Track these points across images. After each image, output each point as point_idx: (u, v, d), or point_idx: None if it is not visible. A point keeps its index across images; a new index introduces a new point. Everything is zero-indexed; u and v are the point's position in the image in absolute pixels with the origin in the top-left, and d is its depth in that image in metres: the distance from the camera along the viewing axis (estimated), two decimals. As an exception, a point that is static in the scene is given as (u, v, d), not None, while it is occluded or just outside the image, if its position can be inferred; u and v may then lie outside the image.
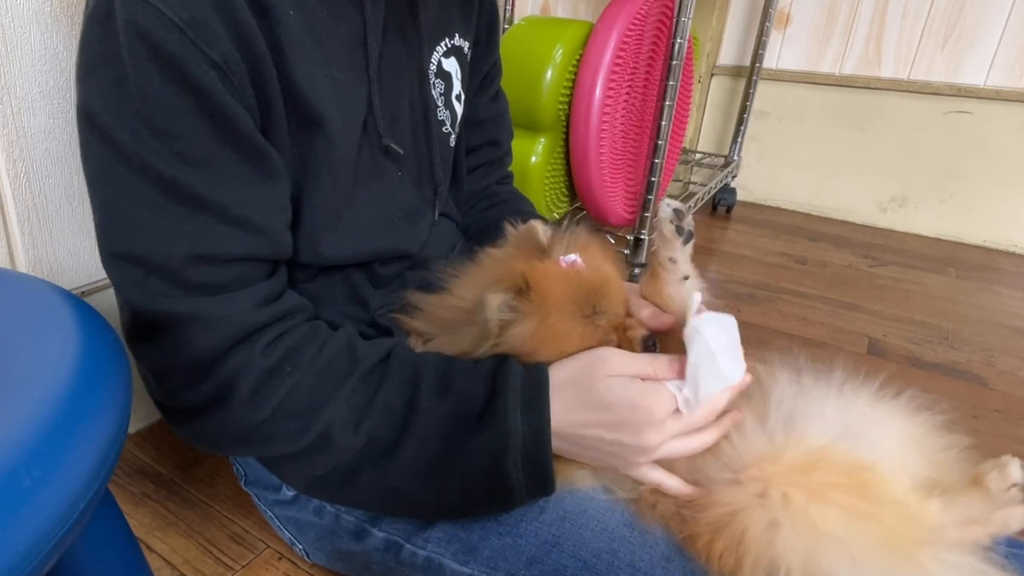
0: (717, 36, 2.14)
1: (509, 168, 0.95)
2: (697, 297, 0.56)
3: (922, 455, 0.56)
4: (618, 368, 0.54)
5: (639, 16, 1.38)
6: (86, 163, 0.52)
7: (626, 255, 1.40)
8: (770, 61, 2.05)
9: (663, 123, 1.29)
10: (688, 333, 0.53)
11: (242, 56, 0.49)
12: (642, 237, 1.38)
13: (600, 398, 0.54)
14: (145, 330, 0.52)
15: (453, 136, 0.77)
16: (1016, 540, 0.57)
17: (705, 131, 2.26)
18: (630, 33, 1.37)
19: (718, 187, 1.99)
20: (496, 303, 0.53)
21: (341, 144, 0.58)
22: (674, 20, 1.25)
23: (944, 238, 1.97)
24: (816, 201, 2.13)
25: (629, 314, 0.58)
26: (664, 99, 1.28)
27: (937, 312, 1.51)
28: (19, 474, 0.30)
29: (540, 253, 0.58)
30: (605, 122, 1.38)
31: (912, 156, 1.95)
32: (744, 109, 2.07)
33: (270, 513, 0.73)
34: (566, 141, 1.45)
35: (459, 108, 0.77)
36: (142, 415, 0.97)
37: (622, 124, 1.46)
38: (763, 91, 2.07)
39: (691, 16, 1.22)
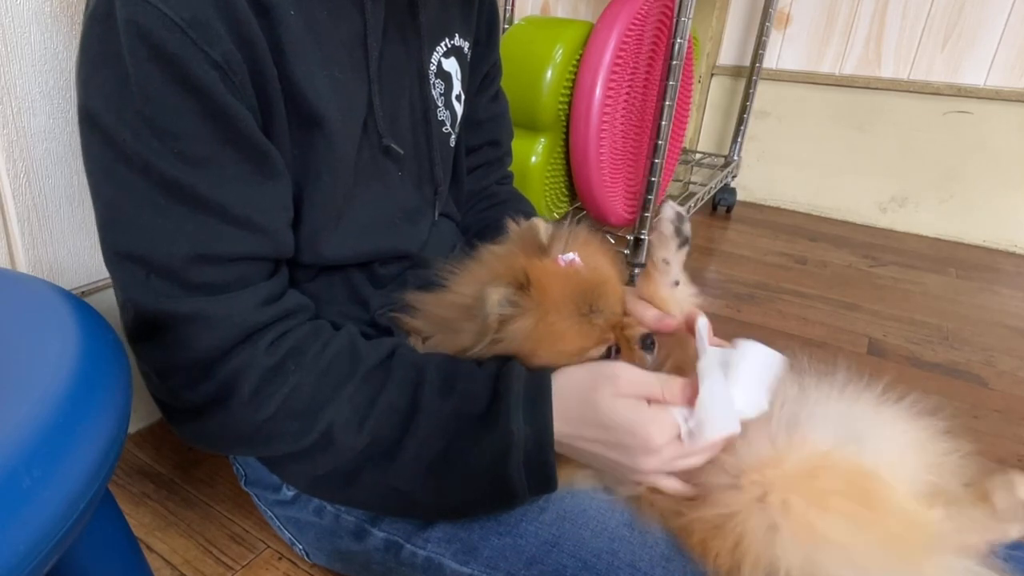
0: (717, 36, 2.14)
1: (509, 168, 0.95)
2: (704, 323, 0.55)
3: (925, 460, 0.56)
4: (625, 388, 0.53)
5: (639, 16, 1.38)
6: (88, 163, 0.52)
7: (626, 255, 1.40)
8: (770, 61, 2.05)
9: (663, 123, 1.29)
10: (701, 368, 0.52)
11: (243, 56, 0.49)
12: (642, 237, 1.37)
13: (601, 418, 0.53)
14: (147, 330, 0.52)
15: (453, 136, 0.77)
16: (1016, 542, 0.56)
17: (705, 131, 2.26)
18: (630, 33, 1.37)
19: (718, 187, 1.99)
20: (496, 297, 0.53)
21: (341, 144, 0.58)
22: (674, 20, 1.25)
23: (944, 238, 1.97)
24: (816, 201, 2.13)
25: (626, 313, 0.58)
26: (664, 99, 1.28)
27: (937, 312, 1.51)
28: (19, 474, 0.30)
29: (540, 251, 0.59)
30: (605, 122, 1.38)
31: (912, 156, 1.95)
32: (744, 109, 2.07)
33: (270, 513, 0.73)
34: (566, 141, 1.45)
35: (459, 108, 0.77)
36: (142, 415, 0.97)
37: (622, 124, 1.46)
38: (763, 91, 2.07)
39: (691, 16, 1.22)
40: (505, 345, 0.56)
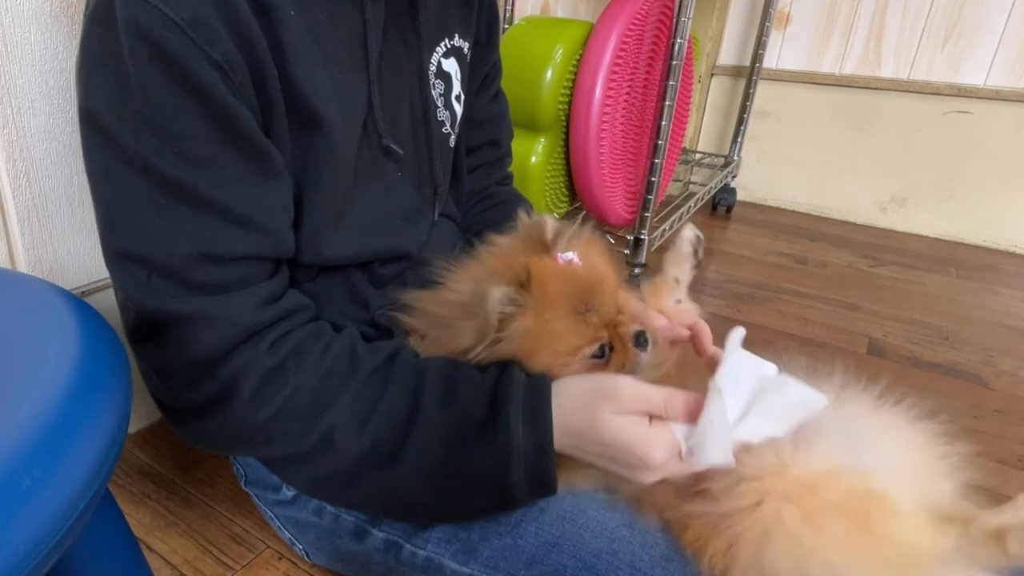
0: (717, 36, 2.14)
1: (509, 169, 0.95)
2: (737, 336, 0.54)
3: (936, 481, 0.56)
4: (626, 405, 0.52)
5: (639, 16, 1.38)
6: (88, 164, 0.52)
7: (626, 255, 1.40)
8: (770, 61, 2.05)
9: (663, 123, 1.29)
10: (710, 387, 0.51)
11: (243, 56, 0.49)
12: (642, 237, 1.38)
13: (600, 434, 0.53)
14: (148, 329, 0.52)
15: (453, 136, 0.77)
16: None
17: (705, 131, 2.26)
18: (630, 33, 1.37)
19: (718, 187, 1.99)
20: (498, 295, 0.53)
21: (341, 144, 0.58)
22: (674, 20, 1.25)
23: (944, 238, 1.97)
24: (816, 201, 2.13)
25: (621, 311, 0.58)
26: (664, 99, 1.28)
27: (937, 312, 1.51)
28: (19, 474, 0.30)
29: (543, 248, 0.59)
30: (605, 122, 1.38)
31: (912, 156, 1.95)
32: (744, 109, 2.07)
33: (270, 513, 0.73)
34: (566, 141, 1.45)
35: (459, 109, 0.77)
36: (142, 415, 0.97)
37: (622, 124, 1.46)
38: (763, 91, 2.07)
39: (691, 16, 1.22)
40: (506, 345, 0.56)
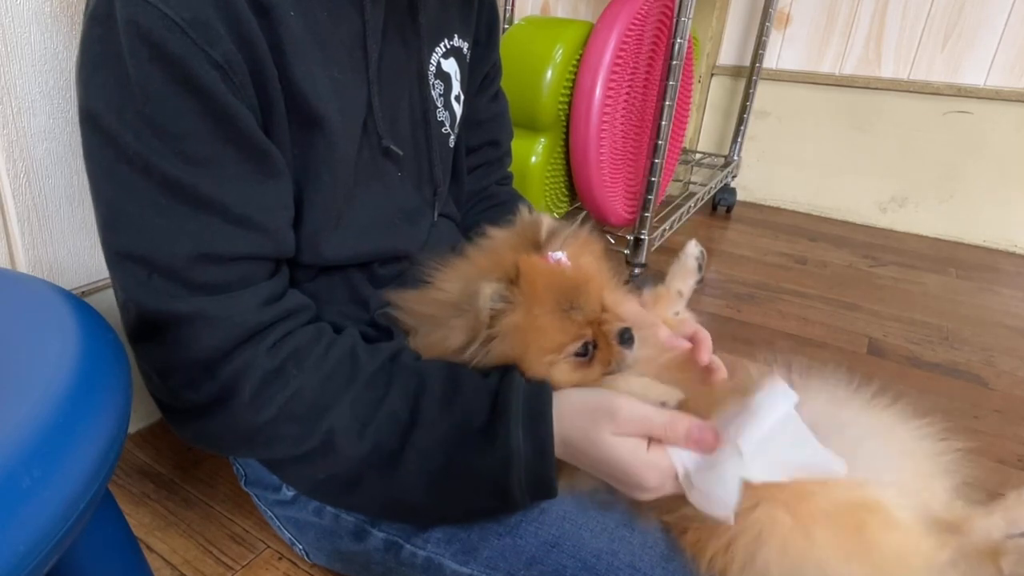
0: (717, 36, 2.13)
1: (509, 169, 0.95)
2: (785, 396, 0.52)
3: (931, 482, 0.56)
4: (625, 427, 0.52)
5: (639, 16, 1.38)
6: (89, 164, 0.52)
7: (626, 255, 1.40)
8: (770, 61, 2.05)
9: (663, 123, 1.29)
10: (733, 446, 0.50)
11: (243, 56, 0.49)
12: (642, 237, 1.37)
13: (597, 454, 0.53)
14: (148, 329, 0.52)
15: (452, 137, 0.77)
16: None
17: (705, 131, 2.26)
18: (630, 33, 1.37)
19: (718, 187, 1.99)
20: (489, 292, 0.53)
21: (341, 144, 0.58)
22: (674, 20, 1.25)
23: (944, 238, 1.97)
24: (816, 201, 2.13)
25: (605, 309, 0.58)
26: (664, 99, 1.28)
27: (937, 312, 1.51)
28: (19, 474, 0.30)
29: (535, 246, 0.59)
30: (605, 122, 1.38)
31: (912, 156, 1.95)
32: (744, 109, 2.07)
33: (270, 513, 0.73)
34: (566, 141, 1.45)
35: (458, 109, 0.77)
36: (142, 415, 0.97)
37: (622, 124, 1.46)
38: (763, 91, 2.07)
39: (691, 16, 1.22)
40: (498, 343, 0.56)
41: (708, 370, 0.64)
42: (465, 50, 0.77)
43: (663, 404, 0.55)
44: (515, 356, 0.56)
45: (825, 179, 2.09)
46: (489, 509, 0.58)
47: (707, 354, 0.64)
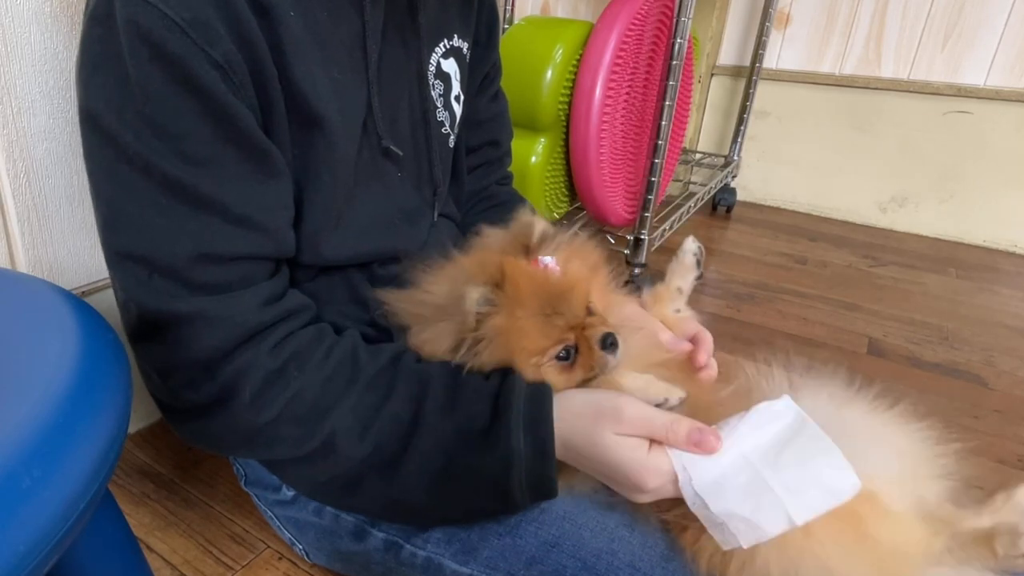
0: (717, 36, 2.13)
1: (509, 168, 0.95)
2: (783, 403, 0.53)
3: (928, 483, 0.56)
4: (628, 427, 0.52)
5: (639, 16, 1.38)
6: (89, 164, 0.52)
7: (626, 255, 1.40)
8: (770, 61, 2.05)
9: (663, 123, 1.29)
10: (745, 457, 0.51)
11: (243, 56, 0.49)
12: (642, 237, 1.37)
13: (598, 453, 0.53)
14: (149, 329, 0.52)
15: (452, 137, 0.77)
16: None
17: (705, 131, 2.26)
18: (630, 33, 1.37)
19: (718, 187, 1.99)
20: (476, 296, 0.54)
21: (341, 145, 0.58)
22: (674, 20, 1.25)
23: (944, 238, 1.97)
24: (816, 201, 2.13)
25: (593, 313, 0.59)
26: (664, 99, 1.28)
27: (937, 312, 1.51)
28: (19, 474, 0.30)
29: (524, 250, 0.60)
30: (605, 122, 1.38)
31: (912, 156, 1.95)
32: (744, 109, 2.07)
33: (270, 513, 0.73)
34: (566, 141, 1.45)
35: (458, 109, 0.77)
36: (142, 415, 0.97)
37: (622, 124, 1.46)
38: (763, 91, 2.07)
39: (691, 16, 1.22)
40: (486, 346, 0.56)
41: (699, 368, 0.64)
42: (465, 50, 0.77)
43: (665, 401, 0.55)
44: (504, 358, 0.57)
45: (825, 179, 2.09)
46: (490, 510, 0.58)
47: (706, 356, 0.65)
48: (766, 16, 1.94)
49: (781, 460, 0.50)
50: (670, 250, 0.76)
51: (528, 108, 1.36)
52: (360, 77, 0.60)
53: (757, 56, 2.00)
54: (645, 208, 1.35)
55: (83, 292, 0.85)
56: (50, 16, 0.74)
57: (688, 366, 0.65)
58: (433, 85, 0.71)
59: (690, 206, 1.70)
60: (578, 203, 1.57)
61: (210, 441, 0.58)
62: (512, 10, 1.57)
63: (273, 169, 0.54)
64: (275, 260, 0.57)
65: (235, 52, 0.49)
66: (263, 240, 0.54)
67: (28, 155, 0.75)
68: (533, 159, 1.41)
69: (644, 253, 1.39)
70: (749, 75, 2.04)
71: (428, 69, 0.70)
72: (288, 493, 0.69)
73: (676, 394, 0.56)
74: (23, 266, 0.79)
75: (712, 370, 0.65)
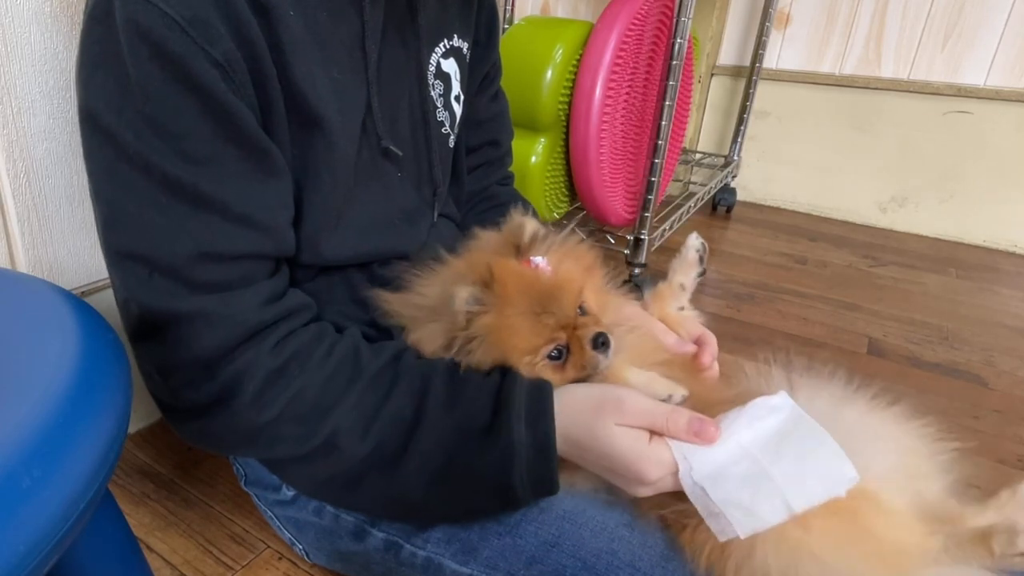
0: (717, 36, 2.13)
1: (510, 168, 0.95)
2: (778, 397, 0.54)
3: (925, 481, 0.56)
4: (629, 418, 0.53)
5: (639, 16, 1.38)
6: (89, 163, 0.52)
7: (626, 255, 1.40)
8: (770, 61, 2.05)
9: (663, 123, 1.29)
10: (748, 452, 0.51)
11: (243, 55, 0.49)
12: (642, 237, 1.37)
13: (599, 444, 0.53)
14: (149, 328, 0.52)
15: (452, 137, 0.77)
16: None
17: (705, 131, 2.26)
18: (630, 33, 1.37)
19: (718, 187, 1.99)
20: (464, 295, 0.55)
21: (341, 145, 0.58)
22: (674, 20, 1.25)
23: (944, 238, 1.97)
24: (816, 201, 2.13)
25: (588, 313, 0.59)
26: (664, 99, 1.28)
27: (937, 312, 1.51)
28: (19, 474, 0.30)
29: (515, 251, 0.61)
30: (605, 122, 1.38)
31: (912, 156, 1.95)
32: (744, 109, 2.07)
33: (270, 513, 0.73)
34: (566, 141, 1.45)
35: (458, 109, 0.77)
36: (142, 415, 0.97)
37: (622, 124, 1.46)
38: (763, 91, 2.07)
39: (691, 16, 1.22)
40: (477, 345, 0.57)
41: (701, 368, 0.65)
42: (465, 50, 0.77)
43: (669, 398, 0.56)
44: (498, 357, 0.57)
45: (825, 179, 2.09)
46: (491, 506, 0.58)
47: (710, 358, 0.65)
48: (766, 16, 1.94)
49: (779, 451, 0.51)
50: (670, 250, 0.76)
51: (528, 108, 1.36)
52: (360, 77, 0.60)
53: (757, 56, 2.00)
54: (645, 208, 1.35)
55: (83, 292, 0.85)
56: (50, 16, 0.74)
57: (690, 365, 0.65)
58: (433, 85, 0.71)
59: (690, 206, 1.70)
60: (578, 203, 1.57)
61: (211, 441, 0.58)
62: (512, 10, 1.57)
63: (273, 168, 0.54)
64: (275, 259, 0.57)
65: (235, 51, 0.49)
66: (263, 239, 0.54)
67: (28, 155, 0.75)
68: (533, 159, 1.41)
69: (644, 253, 1.39)
70: (749, 75, 2.04)
71: (428, 69, 0.70)
72: (288, 493, 0.69)
73: (679, 392, 0.56)
74: (23, 266, 0.79)
75: (715, 371, 0.65)
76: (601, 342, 0.56)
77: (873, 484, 0.52)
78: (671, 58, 1.25)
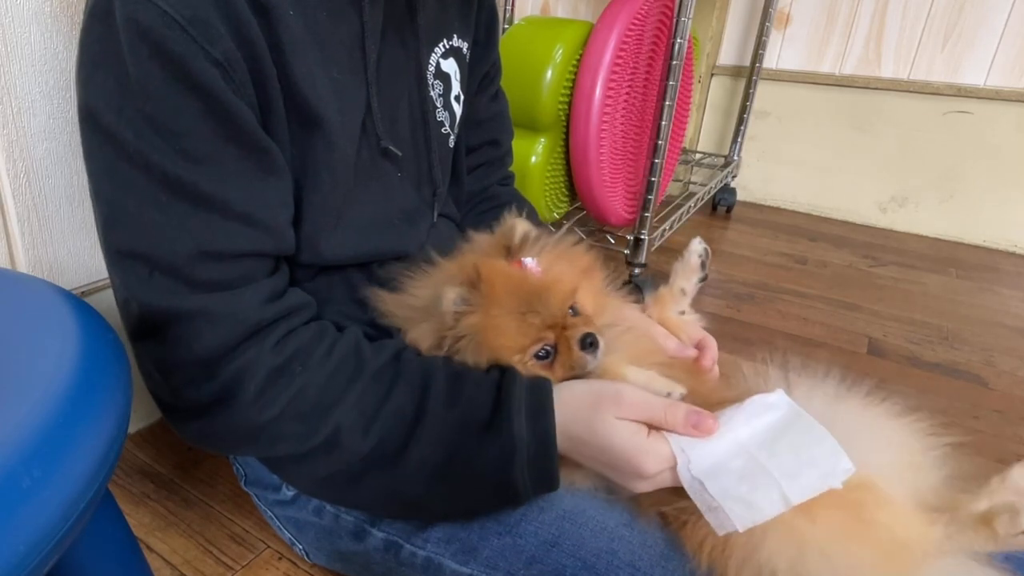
0: (717, 36, 2.13)
1: (510, 168, 0.95)
2: (774, 395, 0.54)
3: (923, 474, 0.56)
4: (627, 411, 0.53)
5: (639, 16, 1.38)
6: (89, 162, 0.52)
7: (626, 255, 1.40)
8: (770, 61, 2.05)
9: (663, 123, 1.29)
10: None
11: (243, 55, 0.49)
12: (642, 237, 1.37)
13: (598, 439, 0.53)
14: (150, 327, 0.52)
15: (452, 137, 0.77)
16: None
17: (705, 131, 2.26)
18: (630, 33, 1.37)
19: (718, 187, 1.99)
20: (452, 296, 0.56)
21: (340, 145, 0.58)
22: (674, 20, 1.25)
23: (944, 238, 1.97)
24: (816, 201, 2.13)
25: (580, 313, 0.60)
26: (664, 99, 1.28)
27: (937, 312, 1.51)
28: (19, 474, 0.30)
29: (506, 252, 0.61)
30: (605, 122, 1.38)
31: (912, 156, 1.95)
32: (744, 109, 2.07)
33: (270, 513, 0.73)
34: (566, 141, 1.45)
35: (458, 109, 0.77)
36: (142, 415, 0.97)
37: (622, 124, 1.46)
38: (763, 91, 2.07)
39: (691, 16, 1.22)
40: (466, 344, 0.57)
41: (702, 371, 0.65)
42: (464, 50, 0.77)
43: (668, 396, 0.56)
44: (488, 356, 0.58)
45: (825, 179, 2.09)
46: (493, 502, 0.58)
47: (711, 362, 0.66)
48: (766, 16, 1.94)
49: (776, 446, 0.52)
50: (670, 250, 0.76)
51: (528, 108, 1.36)
52: (359, 77, 0.60)
53: (757, 56, 2.00)
54: (645, 208, 1.35)
55: (83, 292, 0.85)
56: (50, 16, 0.74)
57: (690, 366, 0.65)
58: (433, 85, 0.71)
59: (690, 206, 1.70)
60: (578, 203, 1.57)
61: (212, 440, 0.58)
62: (512, 10, 1.57)
63: (273, 166, 0.54)
64: (275, 258, 0.57)
65: (235, 50, 0.49)
66: (264, 237, 0.54)
67: (28, 155, 0.75)
68: (533, 159, 1.41)
69: (644, 253, 1.39)
70: (749, 75, 2.04)
71: (427, 69, 0.70)
72: (288, 493, 0.69)
73: (677, 389, 0.57)
74: (23, 266, 0.79)
75: (715, 373, 0.65)
76: (589, 343, 0.57)
77: (874, 477, 0.52)
78: (671, 58, 1.25)
